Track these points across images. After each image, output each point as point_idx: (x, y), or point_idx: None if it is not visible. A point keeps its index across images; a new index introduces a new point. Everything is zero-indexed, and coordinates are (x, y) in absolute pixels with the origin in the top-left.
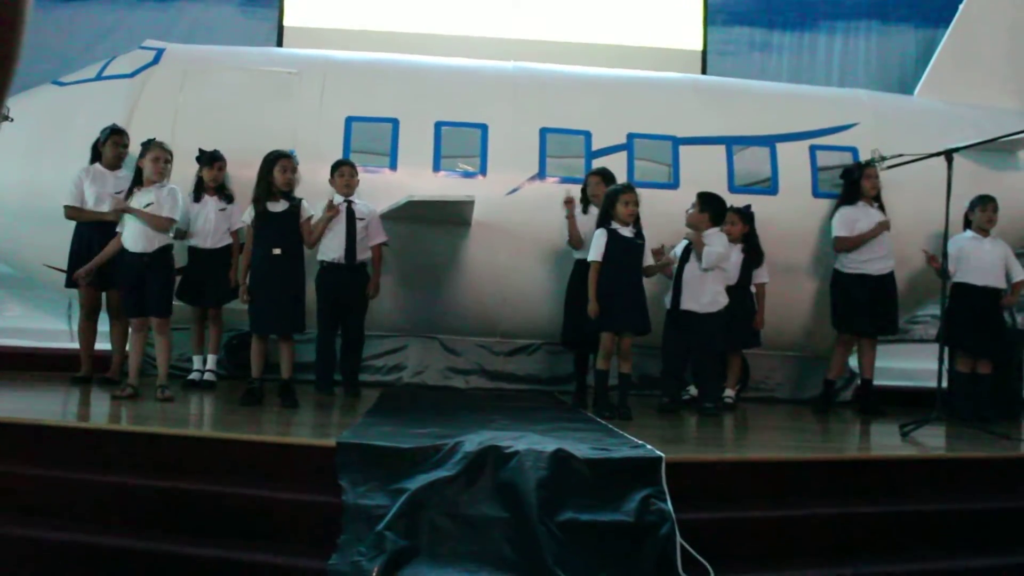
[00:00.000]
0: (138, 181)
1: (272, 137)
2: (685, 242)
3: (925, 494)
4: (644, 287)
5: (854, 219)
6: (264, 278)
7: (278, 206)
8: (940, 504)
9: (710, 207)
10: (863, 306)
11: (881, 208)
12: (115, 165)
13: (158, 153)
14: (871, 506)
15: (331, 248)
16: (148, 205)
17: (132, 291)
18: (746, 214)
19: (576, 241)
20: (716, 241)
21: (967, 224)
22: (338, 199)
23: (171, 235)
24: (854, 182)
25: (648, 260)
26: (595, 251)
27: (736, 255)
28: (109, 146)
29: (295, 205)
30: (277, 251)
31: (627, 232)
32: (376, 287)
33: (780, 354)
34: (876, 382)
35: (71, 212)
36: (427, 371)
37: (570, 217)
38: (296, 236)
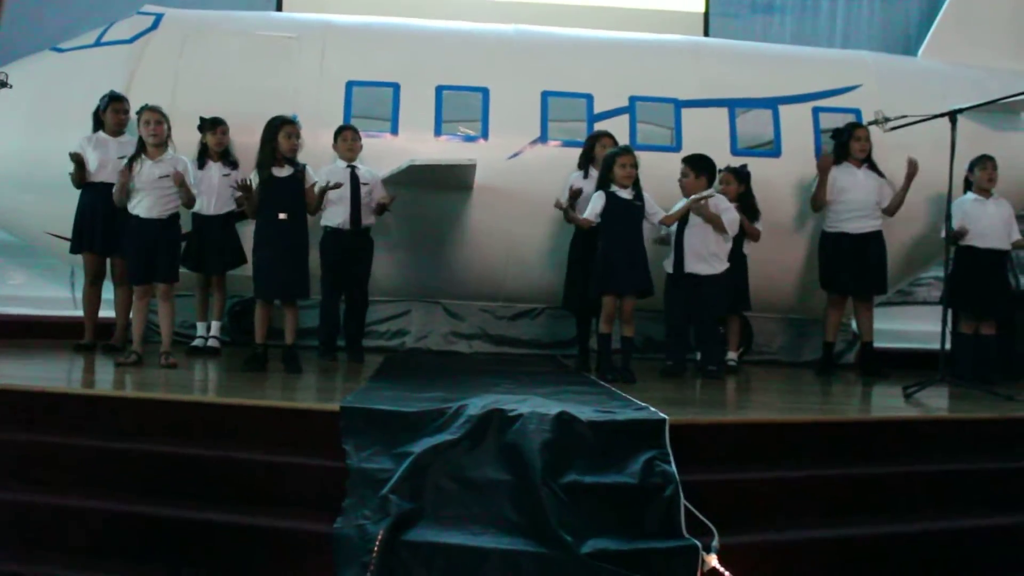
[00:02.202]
0: (142, 149)
1: (272, 102)
2: (682, 202)
3: (929, 455)
4: (645, 248)
5: (832, 179)
6: (269, 243)
7: (283, 171)
8: (944, 465)
9: (705, 170)
10: (844, 265)
11: (874, 169)
12: (117, 131)
13: (147, 116)
14: (875, 467)
15: (336, 214)
16: (162, 177)
17: (141, 257)
18: (742, 173)
19: (587, 224)
20: (723, 205)
21: (967, 186)
22: (341, 165)
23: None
24: (843, 143)
25: (657, 216)
26: (590, 211)
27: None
28: (110, 113)
29: (299, 171)
30: (283, 216)
31: (626, 194)
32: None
33: (782, 317)
34: (879, 344)
35: (75, 174)
36: (430, 336)
37: (571, 214)
38: (301, 201)
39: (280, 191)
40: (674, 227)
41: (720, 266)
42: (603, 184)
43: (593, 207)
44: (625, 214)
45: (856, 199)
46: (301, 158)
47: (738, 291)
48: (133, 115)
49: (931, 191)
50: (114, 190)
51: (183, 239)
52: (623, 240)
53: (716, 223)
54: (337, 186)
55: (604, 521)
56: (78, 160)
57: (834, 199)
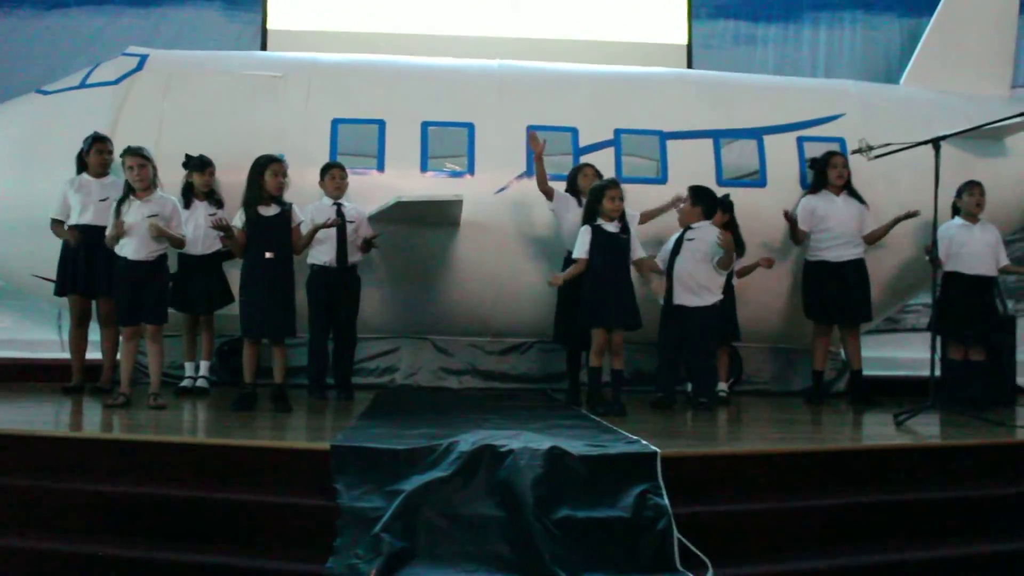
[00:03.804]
0: (131, 190)
1: (258, 141)
2: (676, 236)
3: (921, 483)
4: (632, 282)
5: (811, 208)
6: (256, 282)
7: (269, 210)
8: (936, 492)
9: (703, 201)
10: (825, 294)
11: (854, 196)
12: (101, 173)
13: (130, 161)
14: (867, 496)
15: (322, 252)
16: (152, 216)
17: (128, 299)
18: (725, 203)
19: (543, 182)
20: (712, 234)
21: (955, 212)
22: (327, 203)
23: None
24: (820, 172)
25: (637, 254)
26: (580, 248)
27: None
28: (93, 154)
29: (286, 209)
30: (270, 255)
31: (612, 228)
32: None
33: (771, 347)
34: (869, 372)
35: (54, 226)
36: (420, 372)
37: (537, 159)
38: (287, 240)
39: (266, 230)
40: (666, 257)
41: (710, 298)
42: (589, 217)
43: (581, 244)
44: (611, 247)
45: (835, 227)
46: (288, 197)
47: (727, 322)
48: (117, 156)
49: (917, 218)
50: (107, 235)
51: (171, 279)
52: (609, 273)
53: (726, 259)
54: (334, 224)
55: (598, 556)
56: (66, 237)
57: (814, 228)
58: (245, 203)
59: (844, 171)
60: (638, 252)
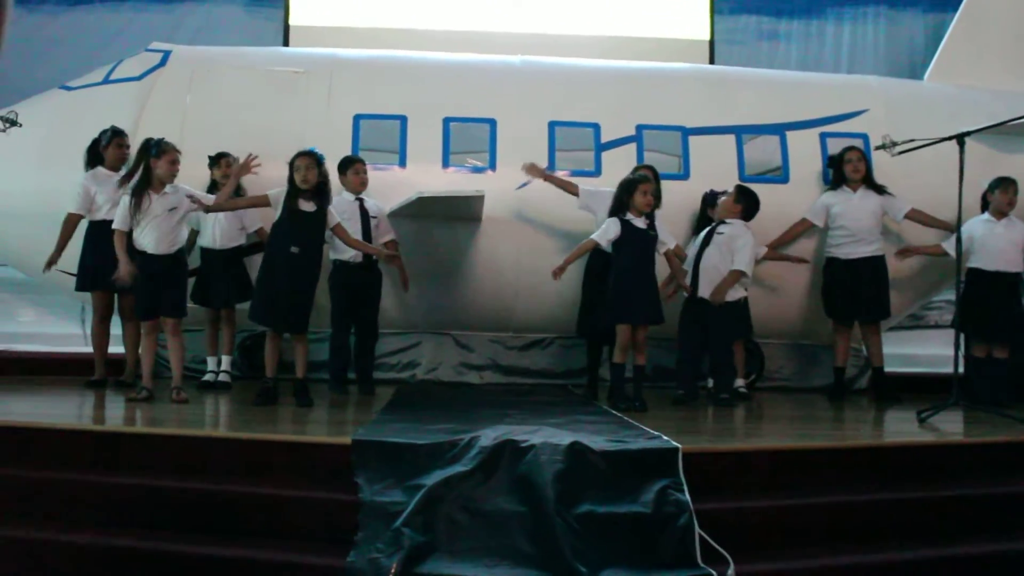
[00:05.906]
0: (146, 182)
1: (280, 136)
2: (707, 228)
3: (943, 480)
4: (656, 277)
5: (826, 205)
6: (274, 271)
7: (308, 206)
8: (959, 489)
9: (745, 200)
10: (841, 291)
11: (877, 190)
12: (118, 167)
13: (174, 155)
14: (889, 492)
15: (347, 248)
16: (172, 210)
17: (147, 293)
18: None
19: (567, 189)
20: (742, 232)
21: (984, 206)
22: (348, 198)
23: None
24: (838, 168)
25: (668, 246)
26: (602, 235)
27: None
28: (112, 148)
29: (322, 209)
30: (295, 249)
31: (640, 223)
32: (405, 281)
33: (793, 343)
34: (891, 368)
35: (70, 220)
36: (441, 367)
37: (548, 179)
38: (317, 238)
39: (300, 225)
40: (694, 250)
41: (734, 294)
42: (619, 210)
43: (606, 233)
44: (639, 243)
45: (850, 224)
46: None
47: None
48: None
49: (942, 214)
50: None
51: (191, 274)
52: (637, 270)
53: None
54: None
55: (618, 551)
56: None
57: (830, 225)
58: (289, 194)
59: (859, 165)
60: (670, 244)
